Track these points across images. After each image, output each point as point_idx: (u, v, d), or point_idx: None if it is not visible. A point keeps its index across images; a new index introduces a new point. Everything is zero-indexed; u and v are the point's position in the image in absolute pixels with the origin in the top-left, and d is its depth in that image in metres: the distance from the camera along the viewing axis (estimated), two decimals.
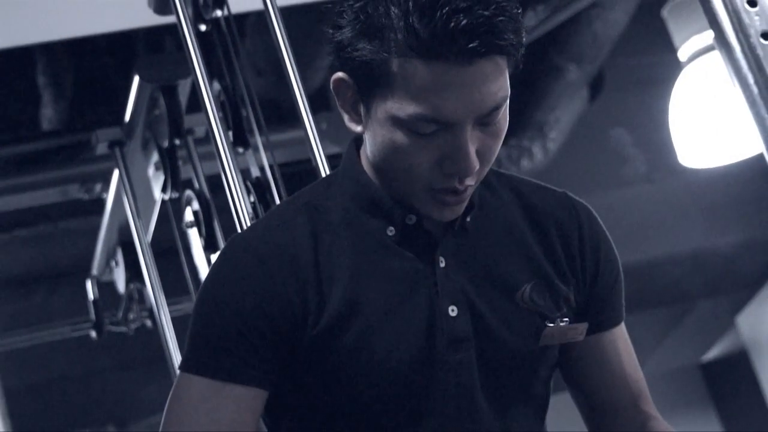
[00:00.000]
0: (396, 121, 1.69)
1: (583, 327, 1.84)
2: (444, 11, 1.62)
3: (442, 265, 1.79)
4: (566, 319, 1.83)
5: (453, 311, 1.78)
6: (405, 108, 1.68)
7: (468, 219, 1.81)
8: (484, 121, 1.70)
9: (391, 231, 1.80)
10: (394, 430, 1.79)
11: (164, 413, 1.78)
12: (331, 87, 1.77)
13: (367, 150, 1.78)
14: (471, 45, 1.63)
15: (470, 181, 1.73)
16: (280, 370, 1.77)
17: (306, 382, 1.78)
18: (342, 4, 1.72)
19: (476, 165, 1.70)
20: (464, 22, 1.62)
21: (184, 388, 1.77)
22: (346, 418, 1.79)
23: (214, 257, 3.14)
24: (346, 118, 1.78)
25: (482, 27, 1.63)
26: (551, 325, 1.81)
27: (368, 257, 1.78)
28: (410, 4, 1.64)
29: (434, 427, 1.79)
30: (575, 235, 1.87)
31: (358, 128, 1.77)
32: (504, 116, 1.72)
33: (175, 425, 1.76)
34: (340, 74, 1.75)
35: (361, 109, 1.75)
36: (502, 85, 1.69)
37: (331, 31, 1.74)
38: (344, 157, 1.85)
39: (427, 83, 1.66)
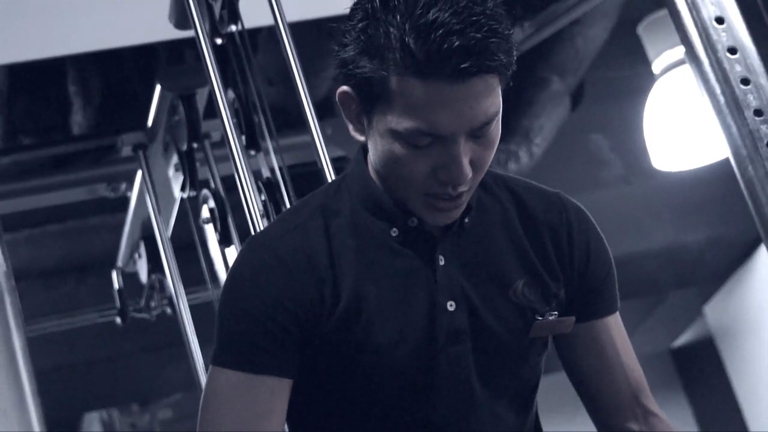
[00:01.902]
0: (394, 134, 1.68)
1: (570, 320, 1.84)
2: (438, 33, 1.61)
3: (442, 263, 1.78)
4: (555, 312, 1.82)
5: (451, 306, 1.77)
6: (402, 122, 1.67)
7: (466, 220, 1.80)
8: (477, 133, 1.68)
9: (394, 232, 1.79)
10: (399, 414, 1.79)
11: (201, 405, 1.78)
12: (337, 99, 1.76)
13: (371, 158, 1.77)
14: (463, 65, 1.62)
15: (463, 188, 1.72)
16: (300, 359, 1.76)
17: (319, 371, 1.77)
18: (346, 24, 1.71)
19: (469, 174, 1.69)
20: (457, 43, 1.61)
21: (220, 381, 1.76)
22: (355, 403, 1.79)
23: (228, 251, 3.14)
24: (350, 128, 1.77)
25: (474, 48, 1.62)
26: (540, 318, 1.81)
27: (374, 256, 1.78)
28: (407, 26, 1.63)
29: (435, 411, 1.78)
30: (564, 233, 1.85)
31: (362, 138, 1.76)
32: (496, 128, 1.71)
33: (214, 417, 1.76)
34: (344, 88, 1.74)
35: (364, 121, 1.74)
36: (493, 101, 1.68)
37: (336, 48, 1.73)
38: (352, 163, 1.84)
39: (423, 100, 1.65)
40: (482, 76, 1.64)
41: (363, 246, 1.78)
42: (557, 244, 1.85)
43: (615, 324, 1.90)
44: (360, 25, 1.68)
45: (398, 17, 1.64)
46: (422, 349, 1.76)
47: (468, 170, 1.69)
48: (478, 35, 1.62)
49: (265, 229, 1.91)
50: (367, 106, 1.71)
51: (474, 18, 1.62)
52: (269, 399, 1.75)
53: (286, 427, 1.84)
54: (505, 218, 1.84)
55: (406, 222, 1.78)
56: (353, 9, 1.71)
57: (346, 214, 1.80)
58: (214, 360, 1.78)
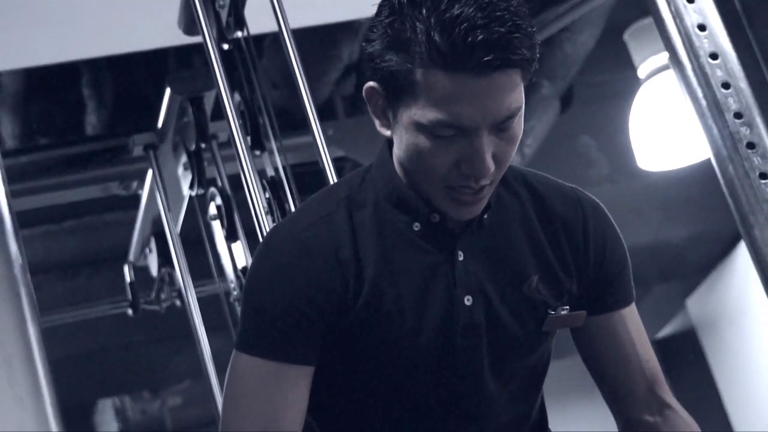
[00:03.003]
0: (419, 126, 1.65)
1: (581, 315, 1.81)
2: (463, 27, 1.58)
3: (461, 258, 1.75)
4: (566, 307, 1.79)
5: (468, 301, 1.75)
6: (427, 114, 1.64)
7: (485, 217, 1.77)
8: (500, 127, 1.65)
9: (416, 227, 1.76)
10: (414, 401, 1.78)
11: (226, 389, 1.75)
12: (364, 95, 1.73)
13: (395, 152, 1.74)
14: (487, 59, 1.59)
15: (485, 182, 1.69)
16: (321, 347, 1.74)
17: (340, 359, 1.76)
18: (373, 20, 1.69)
19: (491, 167, 1.66)
20: (481, 37, 1.58)
21: (245, 368, 1.74)
22: (373, 389, 1.77)
23: (234, 246, 3.14)
24: (377, 123, 1.74)
25: (498, 42, 1.58)
26: (553, 313, 1.78)
27: (396, 249, 1.75)
28: (432, 20, 1.60)
29: (449, 398, 1.77)
30: (580, 229, 1.82)
31: (387, 132, 1.73)
32: (518, 123, 1.68)
33: (239, 404, 1.73)
34: (371, 83, 1.71)
35: (390, 115, 1.71)
36: (516, 97, 1.65)
37: (363, 43, 1.71)
38: (378, 156, 1.81)
39: (447, 92, 1.62)
40: (505, 70, 1.61)
41: (386, 239, 1.75)
42: (572, 239, 1.82)
43: (630, 316, 1.87)
44: (387, 20, 1.66)
45: (424, 12, 1.61)
46: (439, 341, 1.74)
47: (490, 164, 1.66)
48: (502, 29, 1.59)
49: (291, 218, 1.85)
50: (393, 99, 1.68)
51: (498, 13, 1.59)
52: (293, 387, 1.72)
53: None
54: (523, 214, 1.81)
55: (428, 218, 1.75)
56: (380, 5, 1.68)
57: (370, 206, 1.77)
58: (239, 346, 1.75)
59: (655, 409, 1.87)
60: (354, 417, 1.81)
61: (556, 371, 1.91)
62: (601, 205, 1.87)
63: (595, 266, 1.83)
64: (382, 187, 1.78)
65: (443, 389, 1.77)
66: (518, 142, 1.71)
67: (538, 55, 1.65)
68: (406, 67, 1.64)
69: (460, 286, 1.75)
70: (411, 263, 1.75)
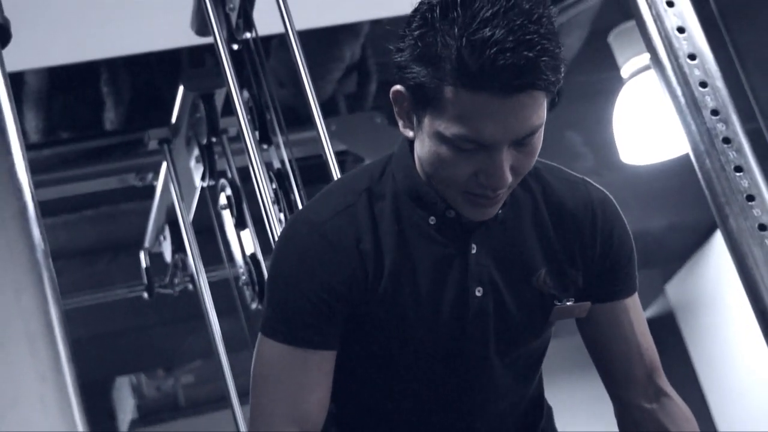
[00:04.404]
0: (442, 138, 1.62)
1: (586, 305, 1.80)
2: (493, 50, 1.53)
3: (474, 251, 1.74)
4: (572, 299, 1.78)
5: (479, 292, 1.74)
6: (450, 128, 1.60)
7: (499, 213, 1.74)
8: (520, 143, 1.63)
9: (432, 220, 1.73)
10: (426, 383, 1.78)
11: (254, 374, 1.74)
12: (390, 96, 1.69)
13: (417, 153, 1.71)
14: (513, 81, 1.55)
15: (502, 191, 1.67)
16: (342, 333, 1.74)
17: (358, 344, 1.75)
18: (404, 29, 1.64)
19: (509, 180, 1.64)
20: (510, 61, 1.53)
21: (272, 354, 1.72)
22: (388, 372, 1.77)
23: (243, 233, 3.14)
24: (400, 123, 1.71)
25: (525, 67, 1.54)
26: (559, 304, 1.77)
27: (412, 241, 1.73)
28: (464, 40, 1.55)
29: (458, 381, 1.77)
30: (588, 222, 1.80)
31: (411, 134, 1.70)
32: (538, 138, 1.65)
33: (266, 389, 1.73)
34: (398, 87, 1.67)
35: (414, 119, 1.67)
36: (539, 115, 1.61)
37: (393, 49, 1.66)
38: (398, 150, 1.77)
39: (471, 110, 1.57)
40: (530, 92, 1.58)
41: (403, 231, 1.73)
42: (580, 232, 1.80)
43: (633, 305, 1.86)
44: (417, 32, 1.61)
45: (456, 30, 1.56)
46: (450, 328, 1.74)
47: (508, 177, 1.63)
48: (530, 54, 1.54)
49: (312, 208, 1.80)
50: (419, 107, 1.64)
51: (528, 37, 1.54)
52: (316, 372, 1.71)
53: None
54: (534, 209, 1.79)
55: (444, 213, 1.73)
56: (412, 15, 1.64)
57: (389, 199, 1.75)
58: (264, 330, 1.74)
59: (653, 396, 1.85)
60: (370, 400, 1.81)
61: (550, 350, 1.90)
62: (610, 197, 1.85)
63: (601, 258, 1.81)
64: (401, 181, 1.75)
65: (453, 373, 1.77)
66: (537, 154, 1.67)
67: (562, 74, 1.61)
68: (434, 81, 1.59)
69: (472, 277, 1.73)
70: (427, 255, 1.73)
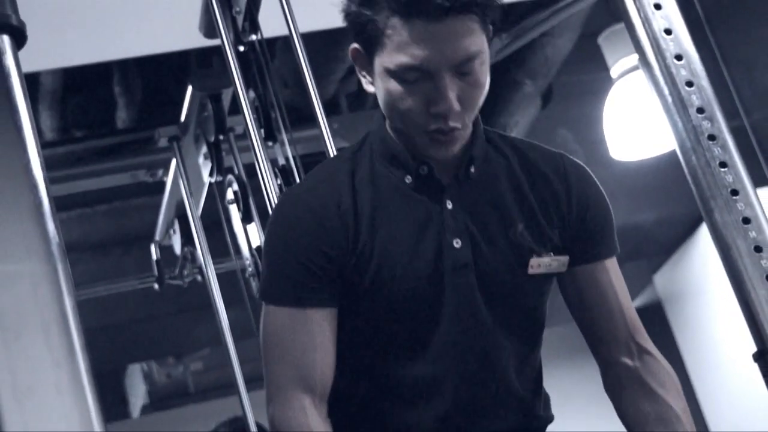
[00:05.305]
0: (389, 73, 1.67)
1: (564, 259, 1.80)
2: None
3: (450, 207, 1.76)
4: (550, 253, 1.78)
5: (457, 243, 1.74)
6: (393, 60, 1.66)
7: (472, 170, 1.77)
8: (461, 70, 1.66)
9: (408, 179, 1.77)
10: (414, 336, 1.76)
11: (263, 341, 1.76)
12: (350, 58, 1.75)
13: (381, 107, 1.75)
14: (444, 4, 1.61)
15: (455, 124, 1.69)
16: (338, 292, 1.75)
17: (346, 299, 1.75)
18: None
19: (456, 107, 1.67)
20: None
21: (275, 319, 1.75)
22: (379, 328, 1.76)
23: (249, 227, 3.14)
24: (363, 81, 1.76)
25: None
26: (537, 257, 1.77)
27: (389, 201, 1.76)
28: None
29: (447, 335, 1.75)
30: (563, 184, 1.81)
31: (372, 89, 1.75)
32: (481, 71, 1.68)
33: (275, 352, 1.74)
34: (354, 45, 1.73)
35: (370, 71, 1.73)
36: (473, 41, 1.65)
37: (344, 12, 1.73)
38: (374, 121, 1.82)
39: (408, 38, 1.64)
40: (459, 16, 1.62)
41: (380, 192, 1.76)
42: (555, 193, 1.81)
43: (613, 267, 1.86)
44: None
45: None
46: (431, 280, 1.74)
47: (455, 104, 1.66)
48: None
49: (299, 183, 1.89)
50: (368, 53, 1.70)
51: None
52: (317, 329, 1.73)
53: None
54: (508, 169, 1.81)
55: (417, 170, 1.76)
56: None
57: (367, 164, 1.78)
58: (262, 296, 1.77)
59: (635, 354, 1.85)
60: (365, 358, 1.78)
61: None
62: (584, 166, 1.86)
63: (578, 221, 1.81)
64: (377, 147, 1.79)
65: (445, 326, 1.75)
66: (484, 90, 1.70)
67: (496, 4, 1.66)
68: (372, 18, 1.66)
69: (449, 230, 1.75)
70: (404, 212, 1.75)
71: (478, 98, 1.70)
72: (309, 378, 1.71)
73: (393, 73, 1.67)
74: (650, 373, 1.83)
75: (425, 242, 1.74)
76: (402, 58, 1.64)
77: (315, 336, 1.72)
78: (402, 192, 1.76)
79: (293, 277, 1.73)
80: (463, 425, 1.75)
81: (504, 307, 1.78)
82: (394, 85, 1.67)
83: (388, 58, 1.66)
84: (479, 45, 1.66)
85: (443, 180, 1.77)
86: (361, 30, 1.69)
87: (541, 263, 1.77)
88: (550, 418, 1.86)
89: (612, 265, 1.86)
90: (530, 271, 1.77)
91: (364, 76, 1.75)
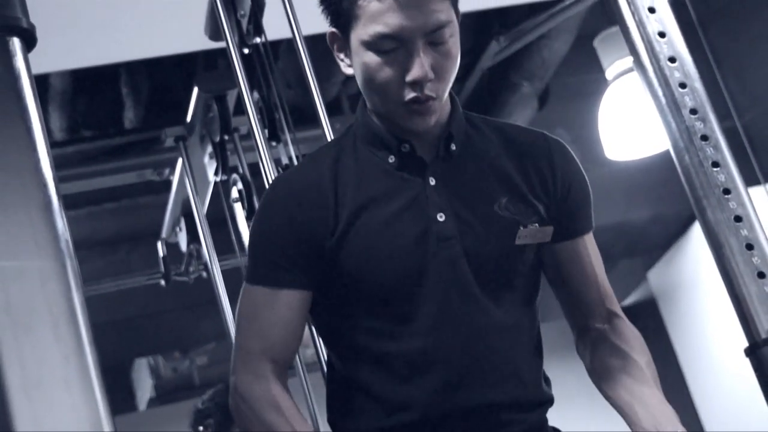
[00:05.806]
0: (364, 44, 1.70)
1: (549, 229, 1.80)
2: None
3: (432, 183, 1.76)
4: (536, 224, 1.78)
5: (441, 217, 1.74)
6: (367, 30, 1.69)
7: (453, 148, 1.78)
8: (433, 39, 1.69)
9: (391, 159, 1.78)
10: (402, 311, 1.74)
11: (237, 316, 1.80)
12: (328, 43, 1.77)
13: (360, 88, 1.77)
14: None
15: (430, 93, 1.71)
16: (316, 274, 1.76)
17: (333, 279, 1.75)
18: None
19: (429, 74, 1.69)
20: None
21: (249, 296, 1.78)
22: (365, 302, 1.75)
23: None
24: (342, 65, 1.78)
25: None
26: (524, 228, 1.77)
27: (372, 180, 1.77)
28: None
29: (435, 307, 1.74)
30: (546, 161, 1.83)
31: (350, 71, 1.77)
32: (452, 42, 1.71)
33: (243, 326, 1.78)
34: (330, 29, 1.77)
35: (348, 52, 1.75)
36: (442, 10, 1.69)
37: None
38: (358, 108, 1.84)
39: (381, 8, 1.68)
40: None
41: (364, 173, 1.77)
42: (538, 170, 1.82)
43: (590, 241, 1.88)
44: None
45: None
46: (416, 255, 1.73)
47: (428, 72, 1.69)
48: None
49: (288, 169, 1.90)
50: (343, 32, 1.73)
51: None
52: (287, 309, 1.75)
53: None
54: (491, 149, 1.82)
55: (399, 149, 1.77)
56: None
57: (351, 147, 1.81)
58: (245, 278, 1.80)
59: (605, 318, 1.88)
60: (359, 337, 1.77)
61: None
62: (565, 143, 1.88)
63: (561, 196, 1.82)
64: (360, 131, 1.81)
65: (432, 298, 1.73)
66: (456, 62, 1.73)
67: None
68: None
69: (433, 205, 1.75)
70: (388, 190, 1.76)
71: (451, 69, 1.73)
72: (272, 350, 1.75)
73: (369, 44, 1.70)
74: (617, 333, 1.86)
75: (410, 218, 1.74)
76: (377, 27, 1.68)
77: (280, 314, 1.75)
78: (386, 171, 1.77)
79: (269, 257, 1.76)
80: (457, 398, 1.73)
81: (493, 277, 1.76)
82: (371, 57, 1.70)
83: (363, 30, 1.69)
84: (449, 16, 1.70)
85: (426, 158, 1.78)
86: (336, 12, 1.73)
87: (528, 233, 1.78)
88: (549, 397, 1.84)
89: (590, 239, 1.88)
90: (518, 241, 1.77)
91: (342, 60, 1.78)
